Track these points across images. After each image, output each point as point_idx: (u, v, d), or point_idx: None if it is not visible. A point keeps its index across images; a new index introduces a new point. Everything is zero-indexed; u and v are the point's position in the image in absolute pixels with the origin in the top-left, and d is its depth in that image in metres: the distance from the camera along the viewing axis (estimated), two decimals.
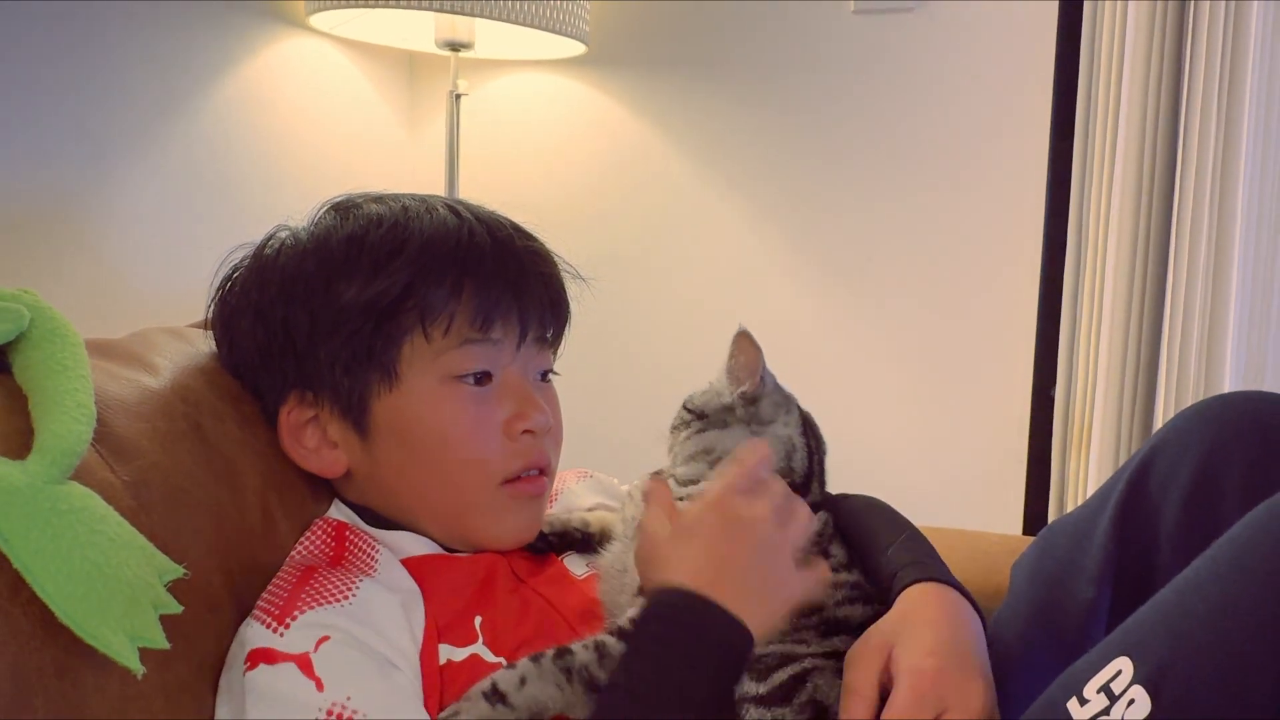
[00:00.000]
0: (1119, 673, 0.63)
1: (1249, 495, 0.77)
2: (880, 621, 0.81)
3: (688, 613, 0.77)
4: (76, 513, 0.71)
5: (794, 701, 0.81)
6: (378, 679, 0.80)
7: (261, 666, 0.78)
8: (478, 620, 0.89)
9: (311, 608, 0.82)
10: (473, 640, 0.88)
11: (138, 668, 0.70)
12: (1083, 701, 0.64)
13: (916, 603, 0.82)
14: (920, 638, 0.78)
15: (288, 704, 0.76)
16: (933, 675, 0.76)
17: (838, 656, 0.83)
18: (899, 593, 0.84)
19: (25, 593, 0.67)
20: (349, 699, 0.76)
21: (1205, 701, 0.60)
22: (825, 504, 0.98)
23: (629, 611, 0.83)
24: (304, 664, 0.78)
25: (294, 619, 0.81)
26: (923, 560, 0.86)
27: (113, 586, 0.70)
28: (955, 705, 0.75)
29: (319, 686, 0.77)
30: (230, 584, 0.86)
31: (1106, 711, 0.63)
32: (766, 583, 0.81)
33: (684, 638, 0.77)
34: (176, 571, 0.77)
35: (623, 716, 0.74)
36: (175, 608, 0.75)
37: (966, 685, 0.76)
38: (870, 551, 0.91)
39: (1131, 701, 0.62)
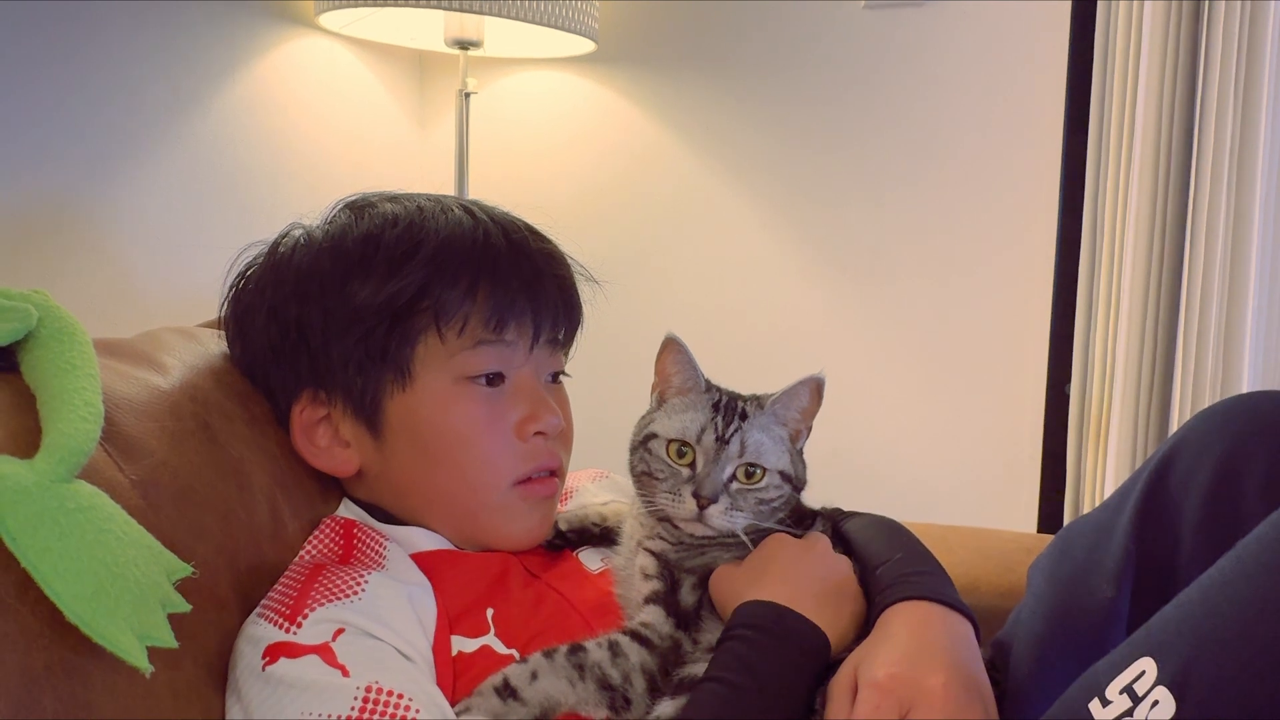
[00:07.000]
0: (1142, 674, 0.62)
1: (1271, 495, 0.76)
2: (854, 651, 0.82)
3: (773, 620, 0.82)
4: (84, 511, 0.70)
5: (818, 686, 0.83)
6: (398, 662, 0.80)
7: (283, 660, 0.78)
8: (489, 612, 0.89)
9: (322, 604, 0.82)
10: (484, 631, 0.88)
11: (146, 667, 0.69)
12: (1105, 703, 0.63)
13: (884, 623, 0.83)
14: (879, 653, 0.79)
15: (322, 691, 0.76)
16: (888, 682, 0.76)
17: None
18: (875, 618, 0.84)
19: (33, 592, 0.67)
20: (378, 681, 0.76)
21: (1232, 703, 0.59)
22: (827, 521, 0.97)
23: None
24: (326, 654, 0.78)
25: (306, 616, 0.81)
26: (908, 579, 0.86)
27: (121, 585, 0.70)
28: (919, 705, 0.75)
29: (345, 673, 0.77)
30: (238, 583, 0.86)
31: (1130, 713, 0.62)
32: (833, 596, 0.87)
33: (767, 641, 0.81)
34: (185, 570, 0.76)
35: (713, 712, 0.78)
36: (184, 606, 0.75)
37: (929, 684, 0.76)
38: (861, 576, 0.91)
39: (1156, 703, 0.61)
